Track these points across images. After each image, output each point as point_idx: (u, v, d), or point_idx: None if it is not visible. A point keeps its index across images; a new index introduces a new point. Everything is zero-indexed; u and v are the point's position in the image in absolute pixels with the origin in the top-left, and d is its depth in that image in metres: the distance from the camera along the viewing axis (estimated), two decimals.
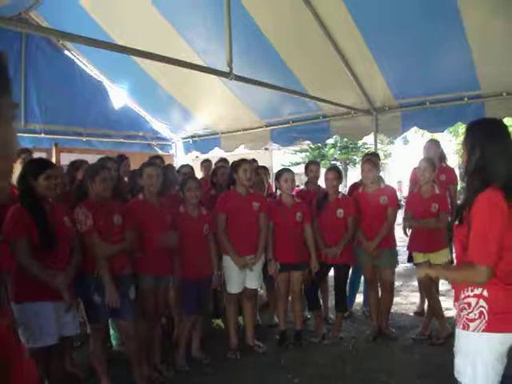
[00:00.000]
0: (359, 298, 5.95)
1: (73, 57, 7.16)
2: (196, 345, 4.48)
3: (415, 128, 7.46)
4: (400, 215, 4.99)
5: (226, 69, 4.35)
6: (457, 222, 2.26)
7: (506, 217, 2.05)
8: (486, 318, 2.08)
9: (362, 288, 5.74)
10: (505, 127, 2.27)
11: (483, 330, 2.08)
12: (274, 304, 5.25)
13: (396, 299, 5.78)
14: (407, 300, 6.26)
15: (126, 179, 5.30)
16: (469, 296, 2.15)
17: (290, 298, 4.96)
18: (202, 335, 4.55)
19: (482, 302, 2.10)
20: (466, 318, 2.14)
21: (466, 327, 2.14)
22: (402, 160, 24.61)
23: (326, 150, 23.95)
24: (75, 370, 4.10)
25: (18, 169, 3.88)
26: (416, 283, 6.10)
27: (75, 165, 4.80)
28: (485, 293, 2.10)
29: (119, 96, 7.90)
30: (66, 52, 7.08)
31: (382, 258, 4.82)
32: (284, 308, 4.91)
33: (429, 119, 6.05)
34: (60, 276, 3.16)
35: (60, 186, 3.46)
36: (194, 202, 4.23)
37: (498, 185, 2.09)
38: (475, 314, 2.11)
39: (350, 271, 5.36)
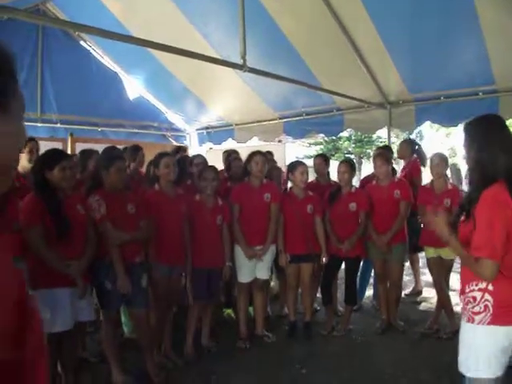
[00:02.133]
0: (369, 292, 5.97)
1: (89, 47, 7.23)
2: (206, 333, 4.55)
3: (429, 122, 7.42)
4: None
5: (240, 61, 4.38)
6: (463, 218, 2.27)
7: (511, 211, 2.06)
8: (491, 312, 2.10)
9: (372, 281, 5.77)
10: (502, 122, 2.30)
11: (488, 323, 2.11)
12: (284, 295, 5.30)
13: (405, 292, 5.81)
14: (417, 294, 6.25)
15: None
16: (474, 290, 2.17)
17: (299, 289, 5.01)
18: (212, 324, 4.61)
19: (487, 296, 2.12)
20: (472, 312, 2.17)
21: (470, 320, 2.17)
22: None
23: (341, 143, 23.85)
24: (87, 355, 4.20)
25: (23, 158, 3.98)
26: (425, 278, 6.12)
27: (86, 154, 4.86)
28: (490, 287, 2.12)
29: (134, 87, 7.96)
30: (82, 43, 7.16)
31: (392, 252, 4.84)
32: (293, 299, 4.95)
33: (443, 114, 6.03)
34: (74, 264, 3.23)
35: (74, 177, 3.52)
36: (208, 193, 4.28)
37: (502, 180, 2.10)
38: (480, 308, 2.13)
39: (361, 264, 5.40)
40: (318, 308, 5.51)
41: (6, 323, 0.69)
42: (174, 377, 3.91)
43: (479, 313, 2.13)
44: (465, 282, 2.26)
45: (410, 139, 6.69)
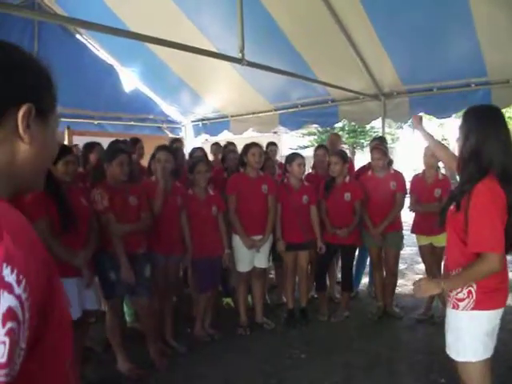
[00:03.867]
0: (366, 279, 6.09)
1: (84, 41, 7.24)
2: (208, 321, 4.65)
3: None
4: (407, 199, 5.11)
5: (238, 55, 4.44)
6: (452, 208, 2.30)
7: (505, 205, 2.12)
8: (474, 297, 2.18)
9: (368, 269, 5.89)
10: (500, 114, 2.32)
11: (472, 309, 2.19)
12: (282, 284, 5.41)
13: (401, 281, 5.93)
14: (412, 282, 6.34)
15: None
16: None
17: (297, 278, 5.12)
18: (213, 313, 4.72)
19: (470, 282, 2.20)
20: (456, 298, 2.25)
21: (455, 306, 2.25)
22: (410, 144, 24.56)
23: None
24: (91, 343, 4.30)
25: None
26: (420, 266, 6.25)
27: (88, 147, 4.92)
28: None
29: (130, 79, 7.98)
30: (78, 36, 7.16)
31: (388, 240, 4.97)
32: (291, 287, 5.07)
33: (436, 105, 6.10)
34: (79, 255, 3.31)
35: (76, 170, 3.59)
36: (202, 185, 4.38)
37: (495, 173, 2.14)
38: (464, 294, 2.21)
39: (357, 252, 5.52)
40: (316, 296, 5.63)
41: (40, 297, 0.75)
42: (177, 363, 4.01)
43: (463, 299, 2.21)
44: (449, 266, 2.35)
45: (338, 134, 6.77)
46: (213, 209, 4.44)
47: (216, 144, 6.85)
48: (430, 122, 15.61)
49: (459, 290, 2.23)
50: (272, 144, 6.27)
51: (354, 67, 6.11)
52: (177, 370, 3.89)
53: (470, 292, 2.20)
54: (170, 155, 4.26)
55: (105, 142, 4.85)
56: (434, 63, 5.63)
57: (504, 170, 2.16)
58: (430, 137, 2.94)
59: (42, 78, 0.90)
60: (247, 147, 4.69)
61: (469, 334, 2.23)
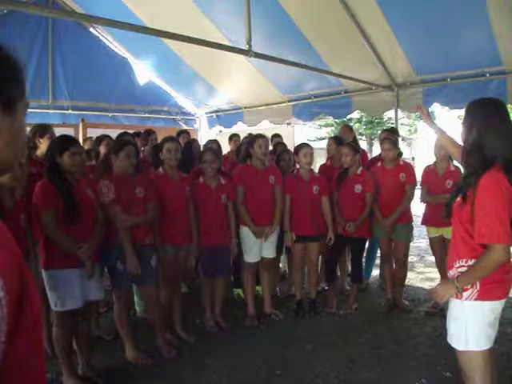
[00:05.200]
0: (376, 271, 6.07)
1: (98, 34, 7.31)
2: (218, 310, 4.69)
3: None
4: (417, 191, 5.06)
5: (245, 46, 4.43)
6: (458, 199, 2.28)
7: (511, 196, 2.11)
8: (478, 288, 2.18)
9: (379, 261, 5.86)
10: (502, 106, 2.30)
11: (475, 299, 2.19)
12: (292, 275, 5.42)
13: (411, 273, 5.91)
14: (422, 274, 6.37)
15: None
16: (462, 266, 2.24)
17: (306, 268, 5.12)
18: (222, 301, 4.74)
19: (482, 277, 2.17)
20: None
21: (458, 296, 2.24)
22: (428, 135, 24.28)
23: (351, 124, 23.76)
24: (101, 333, 4.38)
25: (46, 145, 4.10)
26: (431, 258, 6.19)
27: (98, 139, 4.99)
28: None
29: (144, 72, 8.04)
30: (92, 30, 7.24)
31: (397, 231, 4.93)
32: (299, 278, 5.08)
33: (450, 95, 6.02)
34: (84, 247, 3.34)
35: (83, 162, 3.63)
36: (209, 175, 4.41)
37: (500, 164, 2.13)
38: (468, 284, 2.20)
39: (368, 244, 5.49)
40: (326, 287, 5.62)
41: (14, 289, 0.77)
42: (185, 353, 4.06)
43: (466, 289, 2.21)
44: (454, 257, 2.33)
45: (349, 125, 6.76)
46: (222, 197, 4.47)
47: (235, 135, 6.85)
48: (448, 113, 15.43)
49: None
50: (276, 136, 6.27)
51: (367, 57, 6.06)
52: (184, 360, 3.93)
53: (473, 283, 2.19)
54: (178, 145, 4.30)
55: None
56: (447, 53, 5.56)
57: (509, 162, 2.14)
58: (438, 130, 2.92)
59: (5, 67, 0.87)
60: (253, 139, 4.70)
61: (471, 324, 2.23)
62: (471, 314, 2.23)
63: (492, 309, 2.22)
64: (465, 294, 2.22)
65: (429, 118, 2.97)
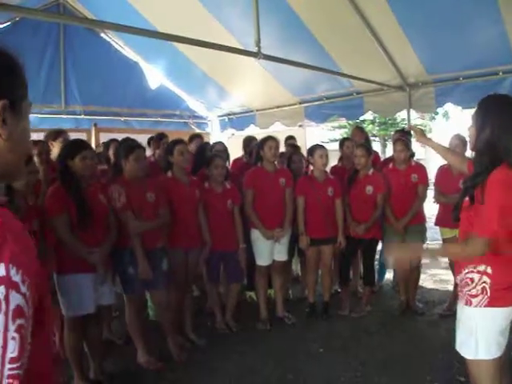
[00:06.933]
0: (390, 273, 6.01)
1: (109, 39, 7.36)
2: (229, 313, 4.68)
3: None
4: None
5: (254, 48, 4.42)
6: (466, 201, 2.22)
7: None
8: (489, 294, 2.11)
9: None
10: None
11: (485, 306, 2.12)
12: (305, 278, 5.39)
13: (424, 275, 5.84)
14: (436, 276, 6.29)
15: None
16: (472, 272, 2.18)
17: (319, 272, 5.09)
18: (234, 305, 4.74)
19: (485, 278, 2.14)
20: (469, 294, 2.18)
21: (468, 303, 2.18)
22: (443, 135, 24.06)
23: (365, 125, 23.65)
24: (113, 337, 4.39)
25: (58, 149, 4.13)
26: (445, 260, 6.11)
27: (107, 144, 5.02)
28: (488, 270, 2.13)
29: (155, 76, 8.07)
30: (103, 35, 7.28)
31: (410, 233, 4.87)
32: (313, 281, 5.05)
33: (463, 95, 5.92)
34: (96, 252, 3.35)
35: (95, 166, 3.65)
36: (219, 180, 4.41)
37: (508, 163, 2.07)
38: (477, 290, 2.15)
39: (381, 246, 5.43)
40: (339, 290, 5.58)
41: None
42: (196, 356, 4.05)
43: (476, 295, 2.14)
44: (461, 264, 2.27)
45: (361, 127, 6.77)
46: (228, 202, 4.47)
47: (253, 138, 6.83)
48: (462, 113, 15.22)
49: (472, 284, 2.17)
50: (290, 138, 6.25)
51: (378, 58, 5.99)
52: (194, 363, 3.93)
53: (483, 288, 2.14)
54: (187, 147, 4.34)
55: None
56: (459, 51, 5.47)
57: None
58: (437, 145, 2.88)
59: (9, 68, 0.88)
60: (263, 141, 4.68)
61: (481, 332, 2.16)
62: (481, 321, 2.16)
63: (503, 316, 2.14)
64: (474, 300, 2.16)
65: (423, 136, 2.94)
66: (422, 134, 2.93)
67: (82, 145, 3.55)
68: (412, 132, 2.99)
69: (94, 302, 3.38)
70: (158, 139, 5.67)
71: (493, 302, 2.12)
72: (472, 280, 2.18)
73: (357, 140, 5.76)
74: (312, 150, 4.91)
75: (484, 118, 2.18)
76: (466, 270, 2.22)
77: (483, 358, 2.17)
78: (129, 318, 3.93)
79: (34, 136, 4.60)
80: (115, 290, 3.84)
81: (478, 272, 2.16)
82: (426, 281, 5.95)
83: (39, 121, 6.59)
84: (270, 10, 4.88)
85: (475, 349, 2.18)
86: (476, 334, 2.17)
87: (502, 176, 2.06)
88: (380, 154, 22.58)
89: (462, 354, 2.27)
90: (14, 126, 0.87)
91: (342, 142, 5.90)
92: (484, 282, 2.14)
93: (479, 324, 2.17)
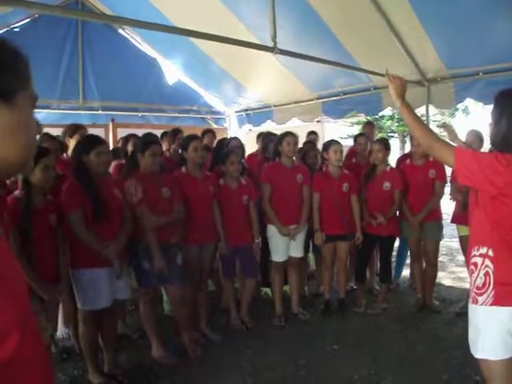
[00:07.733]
0: (407, 271, 5.95)
1: (127, 35, 7.40)
2: (244, 310, 4.69)
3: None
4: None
5: (270, 43, 4.39)
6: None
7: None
8: (493, 292, 2.05)
9: (409, 261, 5.75)
10: None
11: (491, 304, 2.06)
12: (321, 274, 5.37)
13: (442, 273, 5.78)
14: (453, 274, 6.23)
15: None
16: (475, 255, 2.14)
17: (335, 268, 5.07)
18: (249, 301, 4.73)
19: (487, 262, 2.08)
20: (475, 292, 2.12)
21: (474, 301, 2.13)
22: (463, 131, 23.73)
23: (383, 121, 23.45)
24: (128, 331, 4.43)
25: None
26: (462, 258, 6.04)
27: (125, 139, 5.04)
28: (490, 252, 2.07)
29: (173, 71, 8.10)
30: (120, 30, 7.33)
31: (427, 230, 4.82)
32: (329, 278, 5.02)
33: (483, 90, 5.81)
34: (111, 246, 3.37)
35: (110, 162, 3.67)
36: (235, 175, 4.41)
37: None
38: (481, 278, 2.08)
39: (398, 243, 5.39)
40: (355, 287, 5.55)
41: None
42: (210, 352, 4.07)
43: (482, 293, 2.08)
44: (469, 248, 2.23)
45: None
46: (244, 198, 4.47)
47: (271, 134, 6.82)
48: (483, 109, 14.97)
49: (476, 271, 2.12)
50: (312, 133, 6.22)
51: (396, 53, 5.92)
52: (209, 359, 3.94)
53: (487, 274, 2.07)
54: (202, 143, 4.34)
55: None
56: (478, 46, 5.37)
57: None
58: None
59: None
60: (282, 136, 4.67)
61: (485, 331, 2.09)
62: (486, 320, 2.10)
63: (510, 315, 2.05)
64: (480, 298, 2.09)
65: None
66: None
67: (97, 140, 3.56)
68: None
69: (110, 296, 3.40)
70: (173, 134, 5.68)
71: (498, 301, 2.05)
72: (476, 265, 2.13)
73: (370, 136, 5.71)
74: (327, 146, 4.88)
75: (500, 112, 2.11)
76: (471, 254, 2.17)
77: (489, 358, 2.11)
78: (143, 312, 3.95)
79: (53, 132, 4.65)
80: (130, 285, 3.87)
81: (480, 255, 2.11)
82: (444, 278, 5.89)
83: (57, 117, 6.67)
84: (287, 4, 4.85)
85: (480, 348, 2.13)
86: (479, 333, 2.12)
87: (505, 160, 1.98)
88: (399, 150, 22.44)
89: (472, 353, 2.22)
90: (4, 119, 0.82)
91: (356, 138, 5.85)
92: (487, 267, 2.08)
93: (483, 323, 2.11)
